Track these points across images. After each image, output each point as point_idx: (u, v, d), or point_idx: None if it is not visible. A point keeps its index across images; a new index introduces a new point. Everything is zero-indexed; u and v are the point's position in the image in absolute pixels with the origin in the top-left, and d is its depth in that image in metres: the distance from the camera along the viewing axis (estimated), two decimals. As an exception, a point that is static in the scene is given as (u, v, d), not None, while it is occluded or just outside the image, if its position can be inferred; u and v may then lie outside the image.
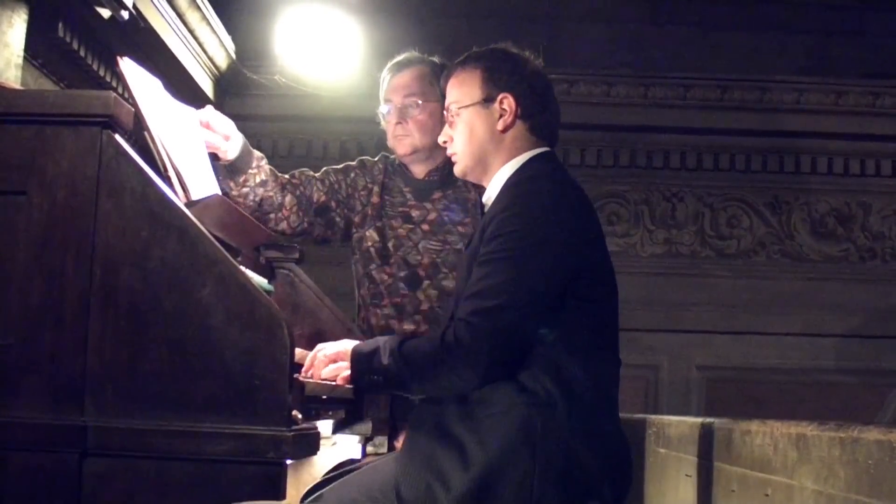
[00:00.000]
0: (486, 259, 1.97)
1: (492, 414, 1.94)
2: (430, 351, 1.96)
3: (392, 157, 2.80)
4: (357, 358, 2.03)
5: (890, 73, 5.28)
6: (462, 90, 2.17)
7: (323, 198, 2.73)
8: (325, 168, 2.81)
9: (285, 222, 2.70)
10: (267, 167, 2.65)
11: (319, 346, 2.11)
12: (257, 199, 2.63)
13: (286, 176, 2.73)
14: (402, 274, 2.67)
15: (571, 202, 2.06)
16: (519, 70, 2.16)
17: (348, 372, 2.03)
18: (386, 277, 2.68)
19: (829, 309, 5.31)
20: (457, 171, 2.22)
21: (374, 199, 2.73)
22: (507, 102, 2.12)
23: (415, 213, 2.71)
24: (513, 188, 2.07)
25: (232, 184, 2.61)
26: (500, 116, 2.13)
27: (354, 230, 2.75)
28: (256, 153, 2.64)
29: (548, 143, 2.17)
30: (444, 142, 2.24)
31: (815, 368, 5.28)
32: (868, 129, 5.28)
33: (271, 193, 2.64)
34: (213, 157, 2.57)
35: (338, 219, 2.75)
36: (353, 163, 2.82)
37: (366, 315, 2.72)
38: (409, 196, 2.74)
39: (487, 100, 2.13)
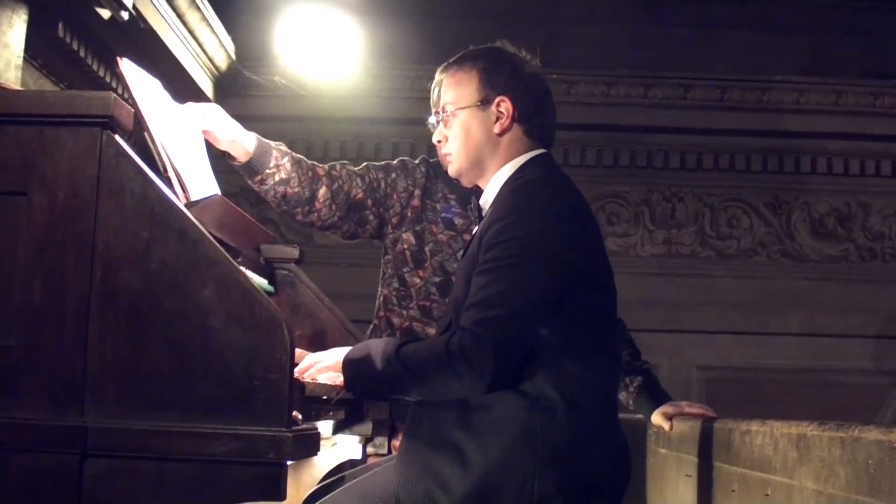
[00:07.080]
0: (487, 267, 1.94)
1: (491, 418, 1.92)
2: (434, 359, 1.91)
3: (434, 160, 2.75)
4: (348, 365, 1.98)
5: (890, 73, 5.27)
6: (458, 91, 2.15)
7: (360, 195, 2.69)
8: (365, 164, 2.77)
9: (315, 215, 2.66)
10: (289, 164, 2.61)
11: (310, 356, 2.07)
12: (278, 195, 2.62)
13: (325, 167, 2.69)
14: (436, 279, 2.65)
15: (570, 207, 2.05)
16: (517, 72, 2.14)
17: (341, 380, 1.99)
18: (418, 281, 2.67)
19: (829, 309, 5.30)
20: (451, 171, 2.20)
21: (415, 202, 2.69)
22: (505, 105, 2.11)
23: (458, 221, 2.69)
24: (511, 194, 2.04)
25: (250, 181, 2.61)
26: (497, 119, 2.11)
27: (390, 231, 2.71)
28: (277, 151, 2.60)
29: (544, 146, 2.15)
30: (439, 141, 2.22)
31: (815, 368, 5.27)
32: (868, 129, 5.27)
33: (296, 189, 2.62)
34: (228, 157, 2.57)
35: (371, 217, 2.71)
36: (395, 162, 2.78)
37: (387, 315, 2.70)
38: (453, 203, 2.71)
39: (484, 102, 2.12)
